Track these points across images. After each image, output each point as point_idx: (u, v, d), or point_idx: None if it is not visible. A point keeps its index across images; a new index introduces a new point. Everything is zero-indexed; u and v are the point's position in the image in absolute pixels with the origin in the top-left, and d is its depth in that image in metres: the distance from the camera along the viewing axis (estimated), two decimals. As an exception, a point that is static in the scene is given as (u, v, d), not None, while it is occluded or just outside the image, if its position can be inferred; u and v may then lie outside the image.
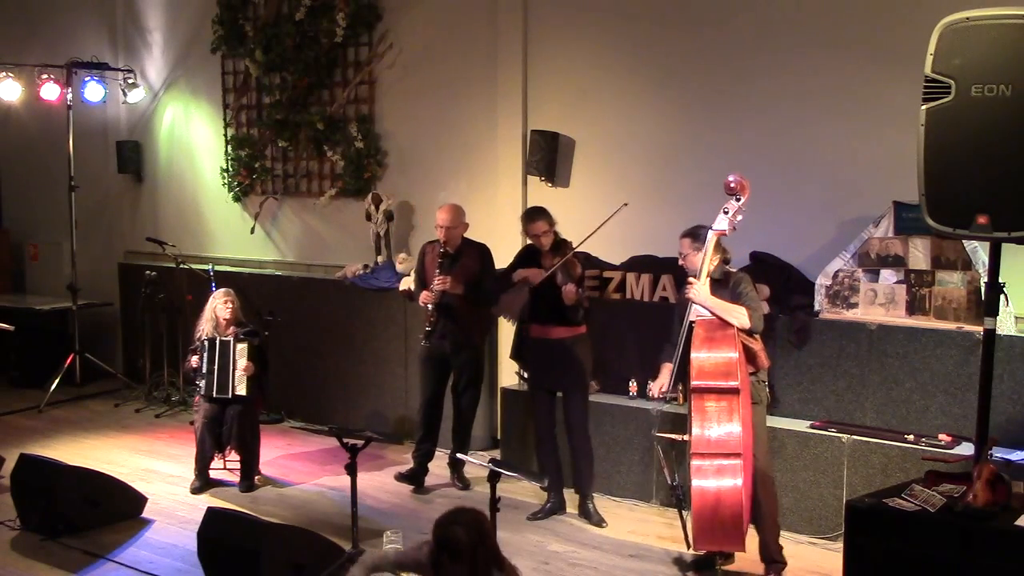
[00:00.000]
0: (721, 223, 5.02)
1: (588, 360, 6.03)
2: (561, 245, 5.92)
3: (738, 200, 5.03)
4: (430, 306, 6.36)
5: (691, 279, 5.08)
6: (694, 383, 4.93)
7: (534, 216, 5.97)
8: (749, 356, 5.06)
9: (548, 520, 6.05)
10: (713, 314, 5.00)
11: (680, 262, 5.29)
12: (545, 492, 6.18)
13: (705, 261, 5.04)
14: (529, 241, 6.10)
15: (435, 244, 6.45)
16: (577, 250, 5.88)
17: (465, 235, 6.48)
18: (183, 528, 5.88)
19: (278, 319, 7.67)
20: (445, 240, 6.35)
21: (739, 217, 5.03)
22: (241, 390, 6.51)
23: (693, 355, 4.94)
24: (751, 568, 5.24)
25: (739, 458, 4.84)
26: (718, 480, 4.85)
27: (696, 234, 5.20)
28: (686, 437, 5.14)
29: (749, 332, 5.03)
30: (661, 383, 5.42)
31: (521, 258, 6.14)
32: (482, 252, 6.49)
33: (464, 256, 6.41)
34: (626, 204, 5.84)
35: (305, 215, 8.71)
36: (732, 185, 5.04)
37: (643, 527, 5.94)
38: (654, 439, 5.52)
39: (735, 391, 4.88)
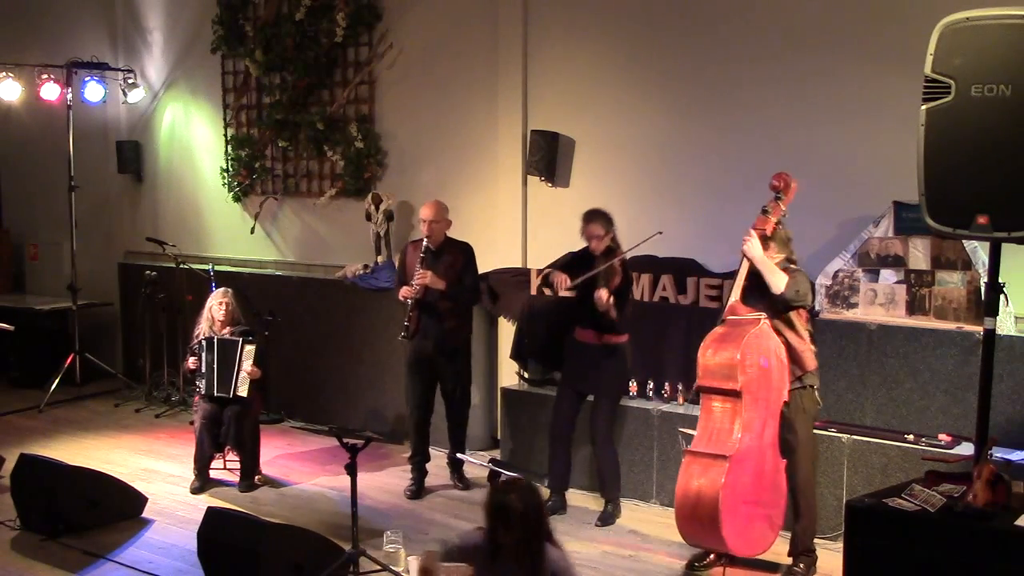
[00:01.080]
0: (761, 223, 5.01)
1: (623, 369, 5.98)
2: (610, 253, 5.83)
3: (779, 198, 5.01)
4: (409, 302, 6.32)
5: (752, 230, 5.01)
6: (698, 383, 4.95)
7: (591, 217, 5.85)
8: (793, 356, 5.03)
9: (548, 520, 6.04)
10: (758, 272, 4.97)
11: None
12: (548, 492, 6.18)
13: (742, 266, 5.04)
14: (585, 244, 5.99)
15: (417, 243, 6.43)
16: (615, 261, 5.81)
17: (450, 234, 6.44)
18: (183, 528, 5.87)
19: (278, 319, 7.67)
20: (428, 235, 6.32)
21: (778, 217, 5.01)
22: (243, 391, 6.50)
23: (699, 354, 4.96)
24: (751, 568, 5.24)
25: (725, 461, 4.85)
26: (701, 478, 4.89)
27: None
28: None
29: (783, 302, 4.96)
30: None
31: (573, 258, 6.07)
32: (465, 250, 6.44)
33: (447, 253, 6.38)
34: (660, 232, 5.86)
35: (305, 215, 8.71)
36: (774, 183, 5.04)
37: (643, 527, 5.93)
38: (680, 435, 5.53)
39: (736, 393, 4.88)
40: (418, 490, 6.53)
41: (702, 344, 5.00)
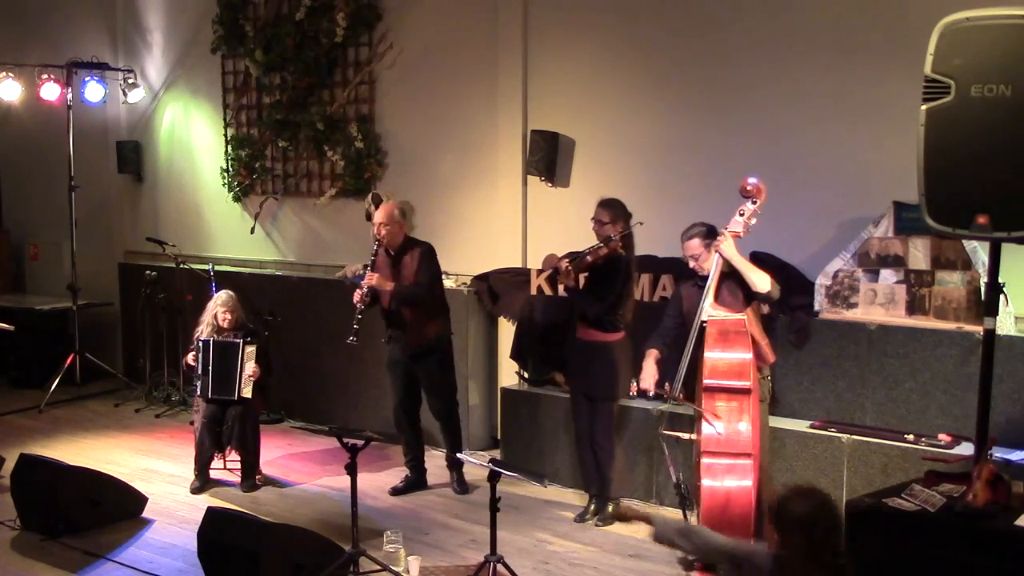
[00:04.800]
0: (736, 225, 5.08)
1: (616, 368, 5.90)
2: (609, 241, 5.83)
3: (753, 203, 5.07)
4: (360, 305, 6.26)
5: (723, 231, 5.09)
6: (706, 382, 4.93)
7: (600, 203, 5.89)
8: (758, 350, 5.06)
9: (548, 520, 6.05)
10: (738, 271, 5.06)
11: (691, 265, 5.27)
12: (545, 487, 6.16)
13: (715, 266, 5.07)
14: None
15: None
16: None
17: (426, 235, 6.46)
18: (183, 528, 5.88)
19: (278, 319, 7.67)
20: (380, 236, 6.29)
21: (753, 220, 5.08)
22: (247, 393, 6.51)
23: (707, 354, 4.94)
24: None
25: (749, 458, 4.86)
26: (728, 480, 4.86)
27: (703, 232, 5.22)
28: (693, 436, 5.16)
29: (767, 300, 5.10)
30: (653, 375, 5.43)
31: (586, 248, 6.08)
32: (423, 251, 6.36)
33: (406, 255, 6.35)
34: (640, 223, 5.85)
35: (305, 215, 8.71)
36: (748, 188, 5.08)
37: (643, 527, 5.90)
38: (660, 437, 5.52)
39: (747, 391, 4.90)
40: (405, 488, 6.51)
41: (706, 344, 4.98)
